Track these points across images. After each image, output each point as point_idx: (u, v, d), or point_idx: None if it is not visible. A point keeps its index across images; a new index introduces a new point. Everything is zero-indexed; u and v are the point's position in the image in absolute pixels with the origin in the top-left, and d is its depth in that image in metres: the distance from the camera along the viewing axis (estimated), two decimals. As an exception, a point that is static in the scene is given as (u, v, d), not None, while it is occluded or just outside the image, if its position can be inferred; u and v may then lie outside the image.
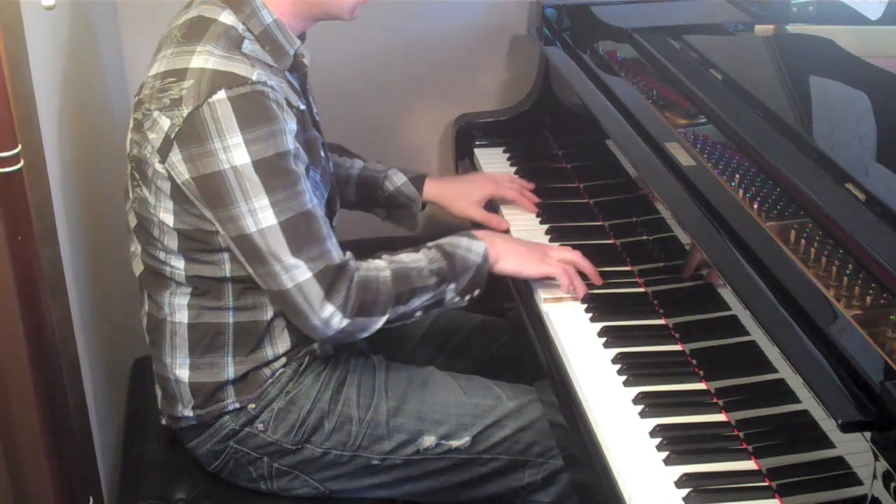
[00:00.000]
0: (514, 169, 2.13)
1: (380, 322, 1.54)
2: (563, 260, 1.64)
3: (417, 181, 1.91)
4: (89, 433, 1.71)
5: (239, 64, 1.45)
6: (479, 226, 1.86)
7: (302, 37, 1.60)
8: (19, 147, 1.28)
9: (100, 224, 1.95)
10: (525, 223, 1.88)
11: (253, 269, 1.49)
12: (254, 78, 1.44)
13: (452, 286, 1.58)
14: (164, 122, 1.44)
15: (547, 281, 1.66)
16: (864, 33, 1.95)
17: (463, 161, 2.27)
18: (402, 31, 2.35)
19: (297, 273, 1.46)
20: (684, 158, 1.57)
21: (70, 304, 1.61)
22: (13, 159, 1.28)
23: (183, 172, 1.45)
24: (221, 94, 1.41)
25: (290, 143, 1.47)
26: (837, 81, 1.76)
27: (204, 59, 1.44)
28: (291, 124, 1.48)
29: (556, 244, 1.77)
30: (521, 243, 1.69)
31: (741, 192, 1.47)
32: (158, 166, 1.47)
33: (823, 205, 1.32)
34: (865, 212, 1.28)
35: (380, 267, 1.55)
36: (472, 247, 1.61)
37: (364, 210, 1.96)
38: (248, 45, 1.49)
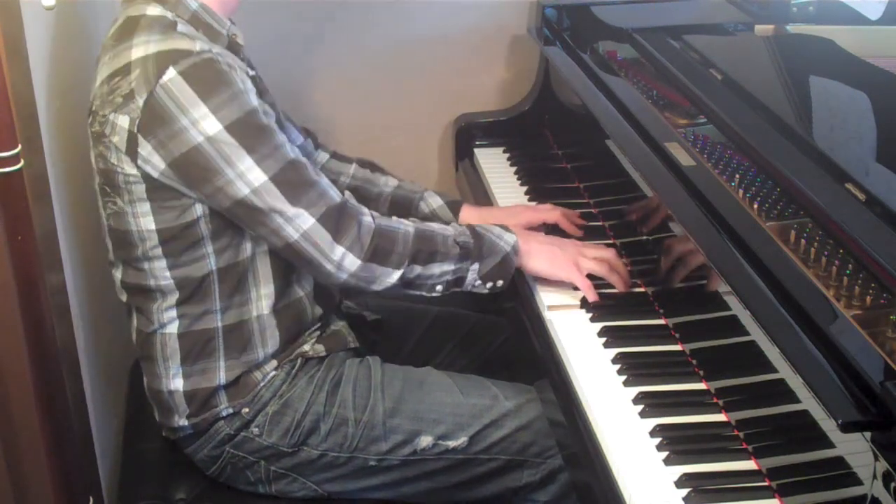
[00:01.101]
0: (514, 169, 2.14)
1: (394, 276, 1.52)
2: (598, 258, 1.63)
3: (454, 206, 1.88)
4: (89, 433, 1.71)
5: (179, 40, 1.44)
6: None
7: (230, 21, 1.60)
8: (19, 147, 1.29)
9: (100, 224, 1.94)
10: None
11: (256, 232, 1.48)
12: (197, 48, 1.43)
13: (476, 266, 1.57)
14: (123, 121, 1.43)
15: (547, 281, 1.66)
16: (864, 33, 1.95)
17: (463, 161, 2.27)
18: (402, 31, 2.35)
19: (301, 221, 1.46)
20: (684, 158, 1.57)
21: (70, 304, 1.61)
22: (13, 159, 1.28)
23: (158, 163, 1.43)
24: (171, 72, 1.40)
25: (254, 99, 1.46)
26: (837, 81, 1.76)
27: (143, 48, 1.43)
28: (248, 84, 1.48)
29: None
30: (557, 244, 1.67)
31: (741, 192, 1.47)
32: (129, 168, 1.45)
33: (823, 205, 1.32)
34: (865, 212, 1.28)
35: (404, 222, 1.55)
36: (504, 236, 1.61)
37: None
38: (182, 27, 1.48)
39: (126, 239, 1.53)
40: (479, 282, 1.59)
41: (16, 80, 1.31)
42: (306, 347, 1.63)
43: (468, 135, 2.29)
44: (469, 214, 1.87)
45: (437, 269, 1.55)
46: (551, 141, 2.23)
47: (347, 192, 1.52)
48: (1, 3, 1.32)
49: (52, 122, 1.64)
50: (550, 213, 1.84)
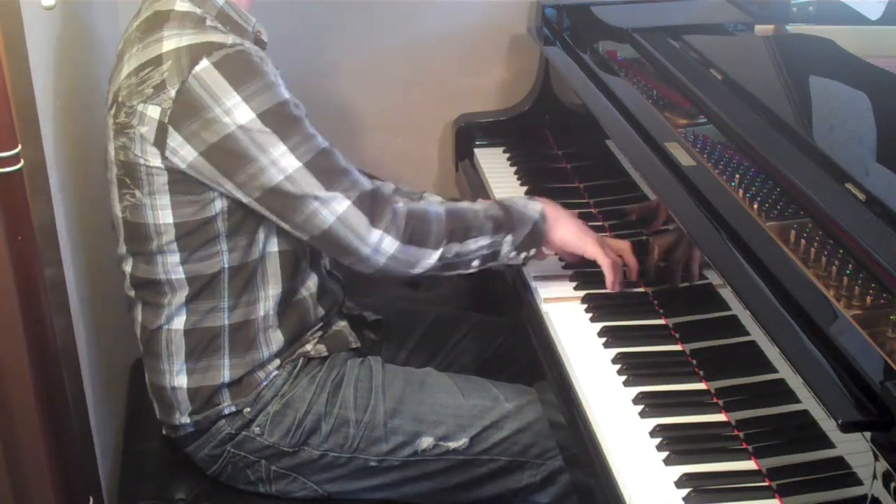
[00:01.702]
0: (514, 169, 2.14)
1: (433, 256, 1.52)
2: (617, 249, 1.63)
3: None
4: (89, 433, 1.71)
5: (211, 34, 1.45)
6: None
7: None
8: (19, 147, 1.29)
9: (100, 224, 1.94)
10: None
11: (290, 222, 1.47)
12: (229, 41, 1.44)
13: (509, 238, 1.57)
14: (153, 111, 1.43)
15: (547, 280, 1.66)
16: (864, 33, 1.94)
17: (463, 161, 2.27)
18: (401, 31, 2.35)
19: (336, 205, 1.45)
20: (684, 158, 1.57)
21: (70, 304, 1.61)
22: (13, 159, 1.28)
23: (188, 154, 1.44)
24: (204, 62, 1.41)
25: (286, 92, 1.47)
26: (837, 81, 1.76)
27: (175, 40, 1.44)
28: (279, 77, 1.48)
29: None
30: (579, 222, 1.66)
31: (741, 192, 1.47)
32: (153, 160, 1.46)
33: (823, 205, 1.32)
34: (865, 212, 1.28)
35: (432, 202, 1.56)
36: (529, 205, 1.60)
37: None
38: (211, 23, 1.49)
39: (141, 232, 1.53)
40: (513, 253, 1.58)
41: (16, 80, 1.31)
42: (308, 348, 1.63)
43: (468, 135, 2.29)
44: None
45: (473, 244, 1.54)
46: (551, 141, 2.23)
47: (378, 181, 1.52)
48: (1, 3, 1.32)
49: (52, 122, 1.64)
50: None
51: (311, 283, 1.64)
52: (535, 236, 1.59)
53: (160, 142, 1.44)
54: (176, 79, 1.41)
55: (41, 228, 1.40)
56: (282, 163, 1.43)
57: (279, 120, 1.43)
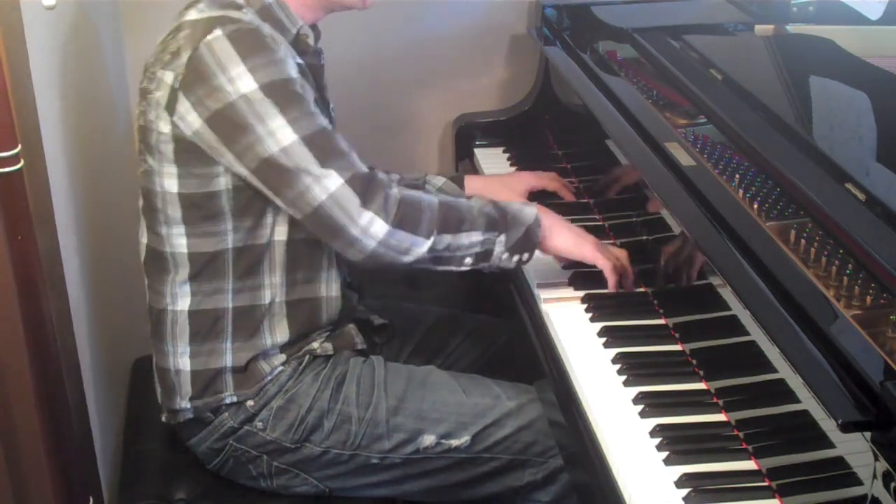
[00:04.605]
0: (514, 169, 2.14)
1: (424, 245, 1.51)
2: (615, 254, 1.63)
3: (457, 179, 1.93)
4: (89, 433, 1.71)
5: (233, 13, 1.49)
6: None
7: (315, 30, 1.64)
8: (19, 147, 1.29)
9: (100, 224, 1.95)
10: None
11: (281, 196, 1.48)
12: (246, 19, 1.48)
13: (502, 238, 1.56)
14: (168, 77, 1.47)
15: (547, 281, 1.66)
16: (864, 33, 1.95)
17: (463, 161, 2.27)
18: (401, 31, 2.35)
19: (329, 182, 1.45)
20: (684, 158, 1.57)
21: (70, 303, 1.61)
22: (13, 159, 1.28)
23: (193, 121, 1.46)
24: (217, 32, 1.44)
25: (293, 72, 1.48)
26: (837, 81, 1.76)
27: (197, 13, 1.49)
28: (290, 60, 1.49)
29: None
30: (575, 227, 1.66)
31: (741, 192, 1.47)
32: (163, 126, 1.48)
33: (823, 205, 1.32)
34: (865, 212, 1.28)
35: (427, 192, 1.56)
36: (525, 209, 1.60)
37: None
38: (247, 12, 1.51)
39: (151, 200, 1.56)
40: (506, 254, 1.57)
41: (16, 80, 1.31)
42: (315, 345, 1.64)
43: (468, 135, 2.29)
44: (473, 182, 1.93)
45: (465, 238, 1.54)
46: (551, 141, 2.23)
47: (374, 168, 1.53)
48: (1, 3, 1.32)
49: (52, 122, 1.64)
50: (551, 181, 1.94)
51: (329, 287, 1.64)
52: (529, 240, 1.58)
53: (171, 107, 1.47)
54: (189, 46, 1.45)
55: (41, 228, 1.40)
56: (278, 134, 1.44)
57: (281, 93, 1.44)
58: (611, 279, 1.60)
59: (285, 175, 1.45)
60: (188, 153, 1.49)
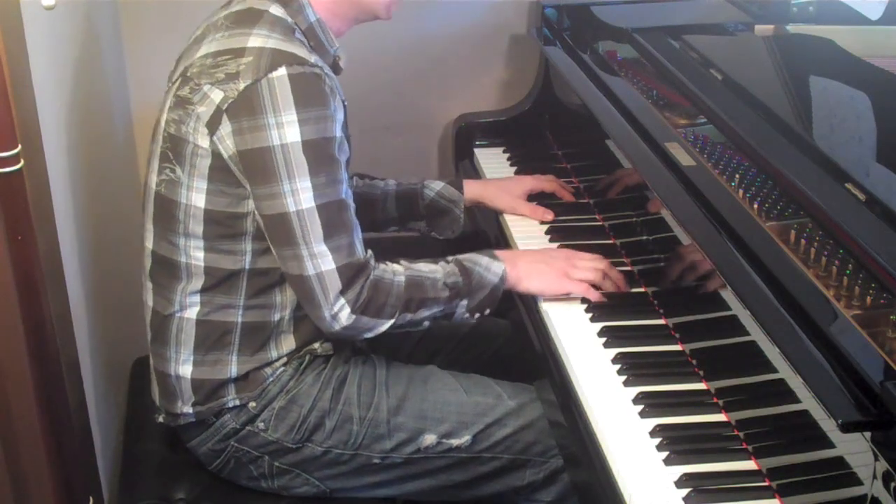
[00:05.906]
0: (514, 169, 2.14)
1: (385, 325, 1.55)
2: (593, 269, 1.64)
3: (455, 183, 1.93)
4: (89, 433, 1.71)
5: (298, 47, 1.48)
6: (505, 243, 1.87)
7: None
8: (19, 147, 1.28)
9: (100, 224, 1.95)
10: (525, 226, 1.89)
11: (279, 250, 1.50)
12: (312, 60, 1.47)
13: (464, 302, 1.59)
14: (216, 95, 1.46)
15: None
16: (864, 33, 1.95)
17: (463, 161, 2.27)
18: (401, 31, 2.35)
19: (322, 262, 1.47)
20: (684, 158, 1.57)
21: (70, 304, 1.61)
22: (13, 159, 1.28)
23: (230, 146, 1.46)
24: (282, 71, 1.43)
25: (338, 130, 1.49)
26: (837, 81, 1.76)
27: (263, 39, 1.47)
28: (340, 114, 1.51)
29: (557, 244, 1.78)
30: (547, 258, 1.68)
31: (741, 192, 1.47)
32: (202, 141, 1.48)
33: (823, 205, 1.32)
34: (865, 212, 1.28)
35: (396, 271, 1.56)
36: (492, 266, 1.62)
37: (402, 226, 1.94)
38: (299, 36, 1.52)
39: (171, 210, 1.54)
40: (467, 315, 1.61)
41: (16, 80, 1.31)
42: (315, 345, 1.64)
43: (468, 135, 2.29)
44: (472, 187, 1.94)
45: (426, 312, 1.57)
46: (551, 141, 2.23)
47: (370, 252, 1.55)
48: (1, 3, 1.32)
49: (52, 122, 1.64)
50: (549, 183, 1.96)
51: None
52: (492, 298, 1.61)
53: (213, 125, 1.46)
54: (251, 75, 1.44)
55: (41, 228, 1.40)
56: (300, 196, 1.45)
57: (318, 154, 1.46)
58: (591, 296, 1.62)
59: (289, 235, 1.47)
60: (223, 171, 1.49)
